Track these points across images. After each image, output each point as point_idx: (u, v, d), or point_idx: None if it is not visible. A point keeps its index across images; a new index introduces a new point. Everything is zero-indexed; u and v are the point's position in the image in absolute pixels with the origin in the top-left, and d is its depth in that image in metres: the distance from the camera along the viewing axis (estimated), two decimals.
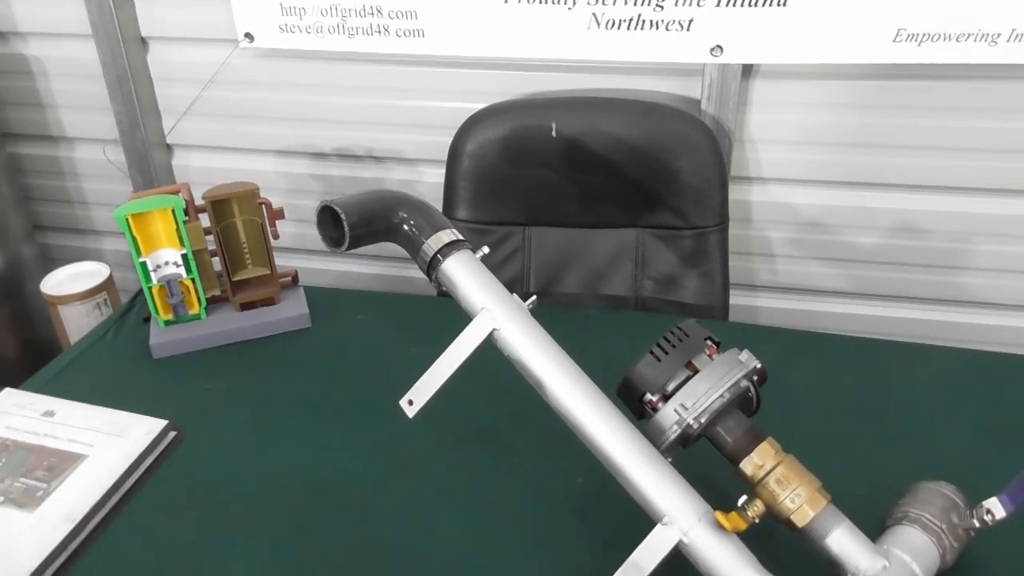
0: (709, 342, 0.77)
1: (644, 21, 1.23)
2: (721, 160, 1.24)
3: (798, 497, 0.70)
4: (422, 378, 0.79)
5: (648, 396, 0.75)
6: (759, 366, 0.75)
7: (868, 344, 1.14)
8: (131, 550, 0.84)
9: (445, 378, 0.78)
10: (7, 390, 1.04)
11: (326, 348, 1.14)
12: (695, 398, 0.72)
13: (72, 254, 1.80)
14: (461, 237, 0.82)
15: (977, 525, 0.71)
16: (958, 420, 0.96)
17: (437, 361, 0.78)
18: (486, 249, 0.84)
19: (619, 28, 1.25)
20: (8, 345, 1.63)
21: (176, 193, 1.12)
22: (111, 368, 1.12)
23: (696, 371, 0.74)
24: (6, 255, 1.60)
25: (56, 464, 0.93)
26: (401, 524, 0.86)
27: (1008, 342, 1.45)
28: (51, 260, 1.78)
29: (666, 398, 0.74)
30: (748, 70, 1.31)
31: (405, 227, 0.82)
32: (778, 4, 1.18)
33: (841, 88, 1.29)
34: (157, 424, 0.98)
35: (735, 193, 1.40)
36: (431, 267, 0.81)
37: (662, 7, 1.21)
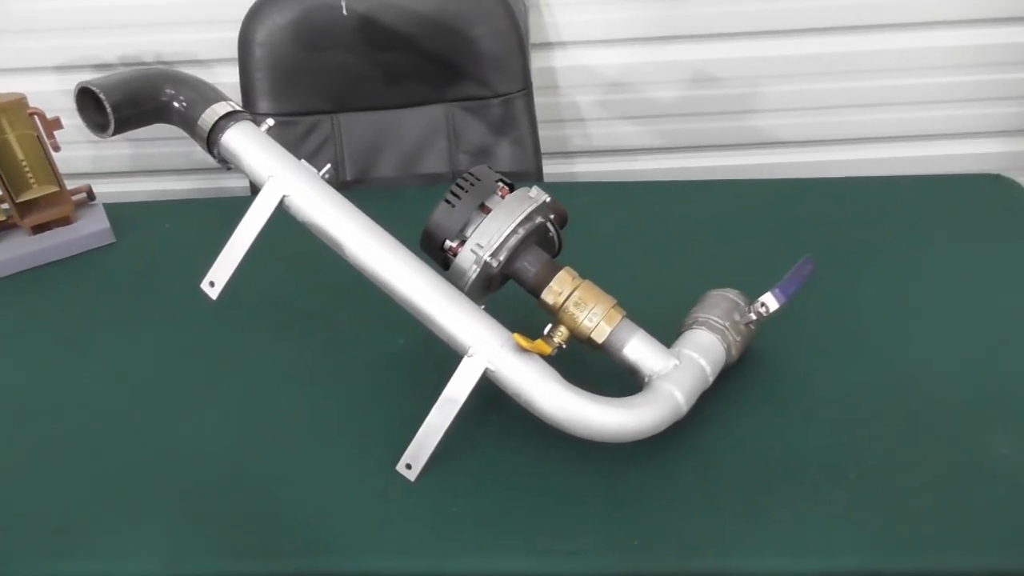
0: (501, 184, 0.78)
1: None
2: (517, 24, 1.24)
3: (595, 316, 0.74)
4: (219, 257, 0.77)
5: (448, 243, 0.76)
6: (549, 200, 0.78)
7: (671, 186, 1.20)
8: None
9: (242, 253, 0.77)
10: None
11: (133, 262, 1.09)
12: (489, 236, 0.74)
13: None
14: (239, 108, 0.79)
15: (754, 318, 0.78)
16: (752, 240, 1.03)
17: (232, 237, 0.77)
18: (270, 121, 0.82)
19: None
20: None
21: None
22: None
23: (489, 211, 0.76)
24: None
25: None
26: (230, 416, 0.84)
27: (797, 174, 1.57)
28: None
29: (463, 242, 0.75)
30: None
31: (175, 104, 0.79)
32: None
33: None
34: None
35: (539, 61, 1.41)
36: (210, 143, 0.78)
37: None
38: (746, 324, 0.79)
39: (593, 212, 1.05)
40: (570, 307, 0.75)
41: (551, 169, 1.36)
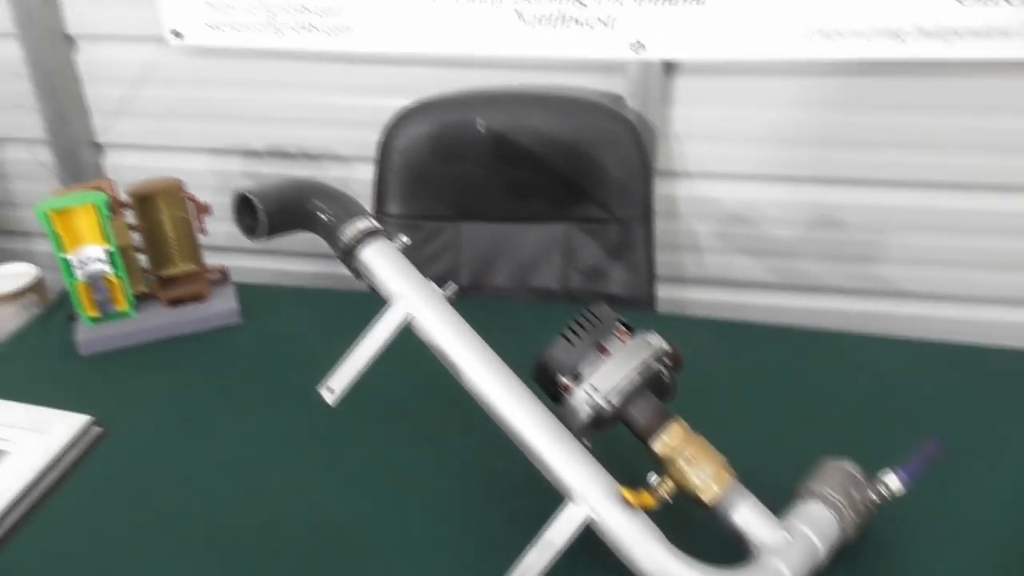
0: (620, 325, 0.79)
1: (567, 17, 1.26)
2: (644, 153, 1.26)
3: (705, 474, 0.72)
4: (341, 365, 0.80)
5: (561, 378, 0.76)
6: (668, 348, 0.77)
7: (788, 332, 1.17)
8: (52, 546, 0.83)
9: (363, 364, 0.79)
10: None
11: (255, 344, 1.13)
12: (605, 380, 0.74)
13: (1, 256, 1.76)
14: (377, 226, 0.83)
15: (875, 498, 0.75)
16: (868, 404, 0.99)
17: (355, 348, 0.79)
18: (405, 239, 0.85)
19: (543, 24, 1.27)
20: None
21: (99, 189, 1.11)
22: (36, 365, 1.10)
23: (607, 353, 0.76)
24: None
25: None
26: (325, 511, 0.86)
27: (923, 330, 1.50)
28: None
29: (578, 380, 0.76)
30: (672, 66, 1.34)
31: (321, 215, 0.83)
32: (695, 2, 1.22)
33: (762, 84, 1.34)
34: (80, 420, 0.97)
35: (662, 187, 1.43)
36: (348, 255, 0.82)
37: (584, 4, 1.24)
38: (864, 503, 0.76)
39: (707, 352, 1.03)
40: (679, 461, 0.73)
41: (663, 294, 1.36)
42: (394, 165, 1.30)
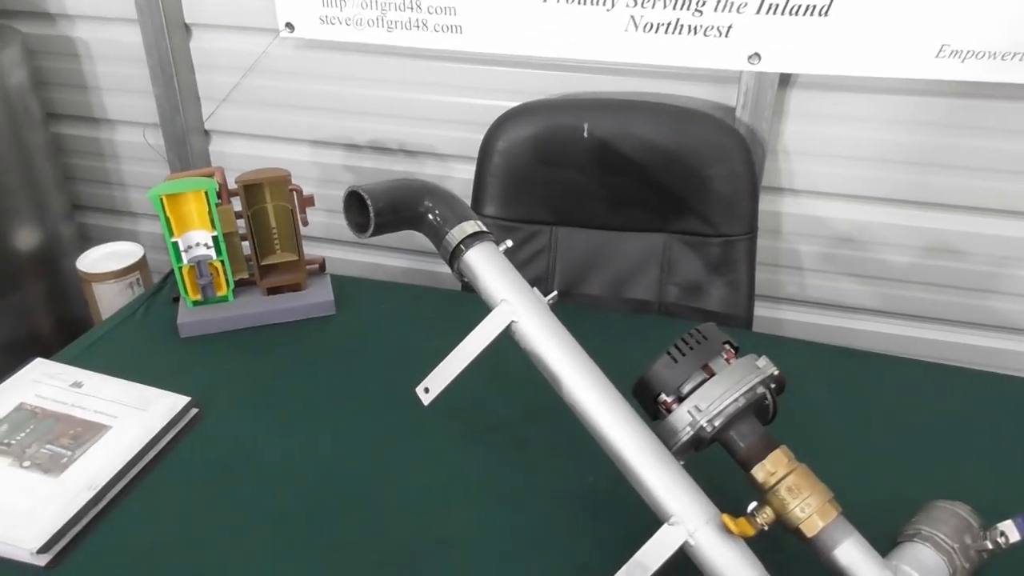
0: (727, 346, 0.76)
1: (682, 26, 1.23)
2: (753, 169, 1.23)
3: (808, 507, 0.69)
4: (439, 366, 0.79)
5: (663, 396, 0.74)
6: (776, 373, 0.75)
7: (894, 362, 1.12)
8: (148, 520, 0.86)
9: (462, 367, 0.79)
10: (38, 360, 1.07)
11: (348, 336, 1.15)
12: (709, 401, 0.72)
13: (109, 234, 1.84)
14: (485, 229, 0.82)
15: (990, 547, 0.70)
16: (981, 443, 0.94)
17: (455, 350, 0.79)
18: (509, 243, 0.84)
19: (657, 32, 1.24)
20: (43, 320, 1.67)
21: (210, 176, 1.14)
22: (139, 344, 1.14)
23: (712, 374, 0.74)
24: (45, 232, 1.63)
25: (81, 433, 0.95)
26: (410, 514, 0.86)
27: None
28: (88, 239, 1.82)
29: (681, 399, 0.73)
30: (786, 79, 1.29)
31: (430, 216, 0.83)
32: (819, 14, 1.17)
33: (882, 102, 1.28)
34: (180, 400, 1.00)
35: (766, 203, 1.39)
36: (453, 257, 0.82)
37: (701, 12, 1.21)
38: (978, 551, 0.71)
39: (809, 377, 1.00)
40: (781, 491, 0.70)
41: (758, 312, 1.32)
42: (494, 166, 1.29)
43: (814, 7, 1.17)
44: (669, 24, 1.23)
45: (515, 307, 0.78)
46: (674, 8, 1.22)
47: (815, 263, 1.45)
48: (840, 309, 1.49)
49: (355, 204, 0.83)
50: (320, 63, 1.51)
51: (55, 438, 0.94)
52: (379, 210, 0.80)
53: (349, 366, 1.09)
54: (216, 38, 1.56)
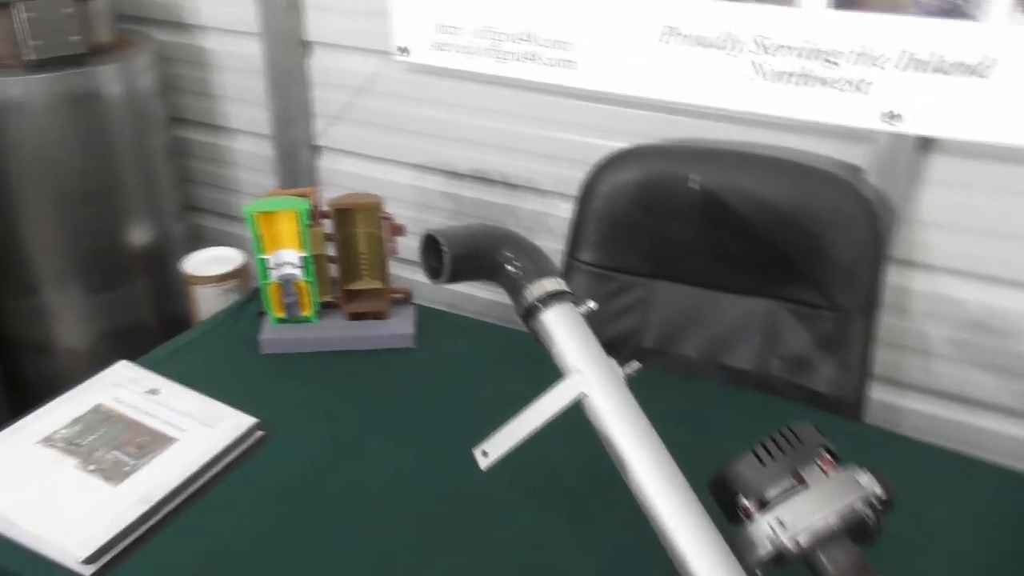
0: (825, 452, 0.67)
1: (812, 77, 1.13)
2: (878, 238, 1.11)
3: None
4: (501, 430, 0.74)
5: (743, 500, 0.67)
6: (881, 493, 0.65)
7: None
8: (198, 541, 0.85)
9: (524, 435, 0.73)
10: (122, 362, 1.09)
11: (424, 372, 1.13)
12: (797, 516, 0.64)
13: (217, 237, 1.89)
14: (566, 288, 0.76)
15: None
16: None
17: (520, 415, 0.73)
18: (592, 304, 0.78)
19: (782, 81, 1.15)
20: (148, 315, 1.72)
21: (305, 196, 1.13)
22: (220, 355, 1.16)
23: (804, 484, 0.65)
24: (158, 231, 1.69)
25: (147, 443, 0.96)
26: (461, 564, 0.83)
27: None
28: (197, 240, 1.88)
29: (763, 505, 0.65)
30: (926, 143, 1.17)
31: (508, 267, 0.78)
32: (976, 75, 1.04)
33: None
34: (246, 421, 1.00)
35: (894, 277, 1.26)
36: (529, 315, 0.76)
37: (836, 64, 1.11)
38: None
39: (924, 488, 0.88)
40: None
41: (875, 396, 1.19)
42: (595, 210, 1.23)
43: (970, 68, 1.05)
44: (796, 73, 1.14)
45: (587, 379, 0.71)
46: (805, 58, 1.13)
47: (945, 349, 1.30)
48: (968, 403, 1.33)
49: (432, 249, 0.78)
50: (430, 88, 1.50)
51: (122, 444, 0.95)
52: (455, 257, 0.75)
53: (420, 404, 1.06)
54: (333, 57, 1.58)
